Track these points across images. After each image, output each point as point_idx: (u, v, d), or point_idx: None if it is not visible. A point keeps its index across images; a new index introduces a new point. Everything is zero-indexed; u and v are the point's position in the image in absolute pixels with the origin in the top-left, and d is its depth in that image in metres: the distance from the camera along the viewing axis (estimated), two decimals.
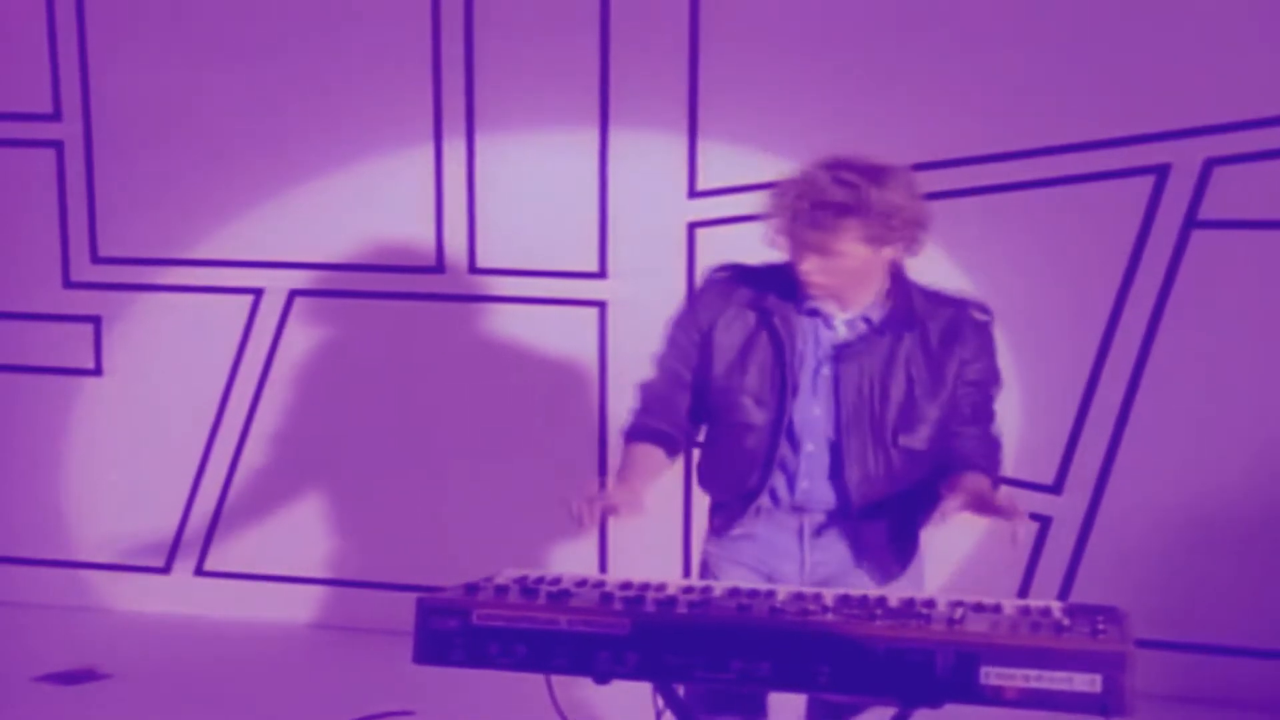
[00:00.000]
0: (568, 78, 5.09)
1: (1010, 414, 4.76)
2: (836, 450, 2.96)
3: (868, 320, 2.97)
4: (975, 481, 2.91)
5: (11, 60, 5.54)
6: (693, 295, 3.17)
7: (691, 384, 3.07)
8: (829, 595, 2.68)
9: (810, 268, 2.90)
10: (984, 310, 3.05)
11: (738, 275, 3.09)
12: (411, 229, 5.29)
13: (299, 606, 5.45)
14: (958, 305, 3.04)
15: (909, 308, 2.98)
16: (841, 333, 2.98)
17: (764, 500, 3.00)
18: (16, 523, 5.69)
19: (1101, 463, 4.78)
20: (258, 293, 5.44)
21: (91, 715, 4.51)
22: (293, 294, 5.42)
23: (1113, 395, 4.75)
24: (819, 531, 3.00)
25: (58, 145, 5.54)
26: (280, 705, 4.59)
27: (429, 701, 4.40)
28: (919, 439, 2.96)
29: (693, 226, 5.03)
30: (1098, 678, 2.31)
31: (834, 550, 3.00)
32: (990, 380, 3.05)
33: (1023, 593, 4.78)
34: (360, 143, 5.28)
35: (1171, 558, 4.70)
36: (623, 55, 5.05)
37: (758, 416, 2.98)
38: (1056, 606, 2.63)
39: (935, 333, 2.98)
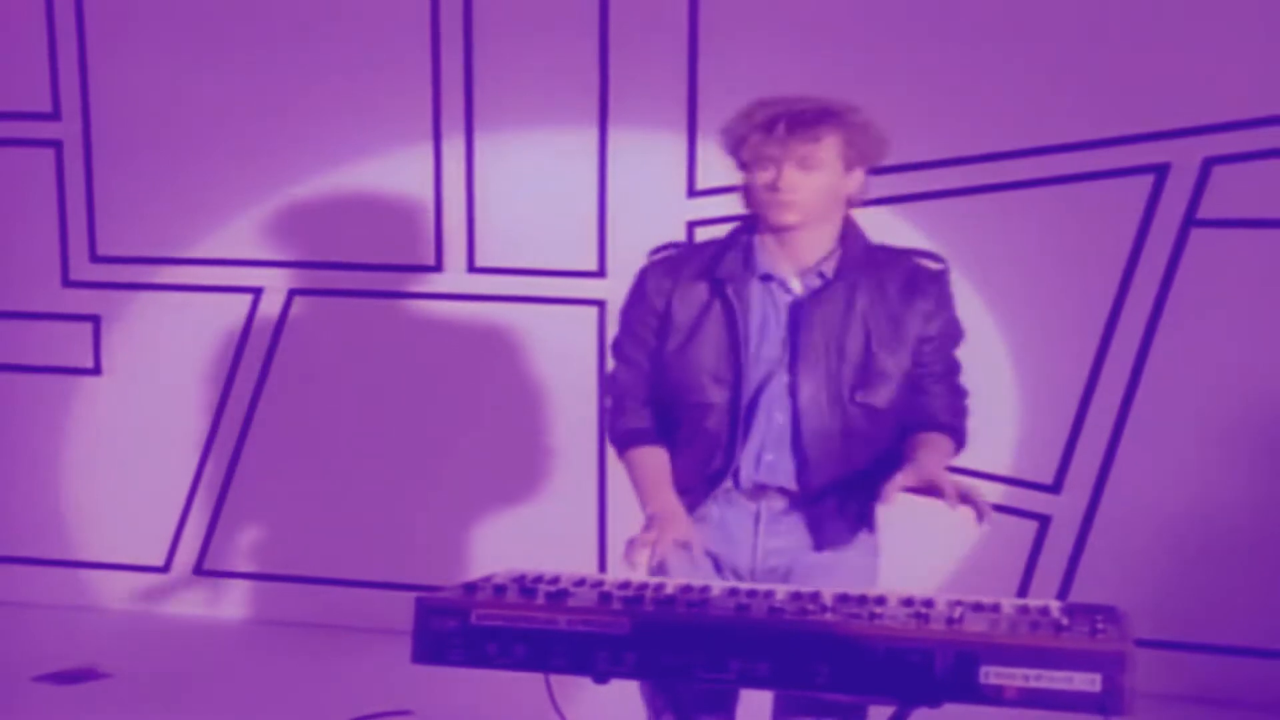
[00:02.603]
0: (567, 77, 5.09)
1: (1010, 413, 4.81)
2: (794, 413, 2.89)
3: (821, 274, 2.90)
4: (931, 459, 2.82)
5: (11, 60, 5.54)
6: (639, 278, 3.03)
7: (650, 371, 3.00)
8: (828, 594, 2.68)
9: (789, 183, 2.83)
10: (938, 260, 2.99)
11: (682, 251, 3.04)
12: (410, 228, 5.29)
13: (299, 606, 5.45)
14: (911, 256, 2.98)
15: (860, 255, 2.91)
16: (797, 289, 2.91)
17: (728, 480, 2.93)
18: (16, 522, 5.69)
19: (1101, 462, 4.77)
20: (257, 292, 5.43)
21: (91, 715, 4.51)
22: (292, 293, 5.42)
23: (1112, 395, 4.75)
24: (776, 518, 2.94)
25: (57, 144, 5.54)
26: (279, 705, 4.59)
27: (427, 701, 4.40)
28: (879, 397, 2.89)
29: (692, 225, 5.02)
30: (1097, 677, 2.31)
31: (789, 537, 2.94)
32: (954, 333, 2.99)
33: (1022, 592, 4.78)
34: (359, 142, 5.27)
35: (1171, 557, 4.70)
36: (622, 55, 5.04)
37: (717, 395, 2.90)
38: (1055, 606, 2.63)
39: (893, 285, 2.91)
